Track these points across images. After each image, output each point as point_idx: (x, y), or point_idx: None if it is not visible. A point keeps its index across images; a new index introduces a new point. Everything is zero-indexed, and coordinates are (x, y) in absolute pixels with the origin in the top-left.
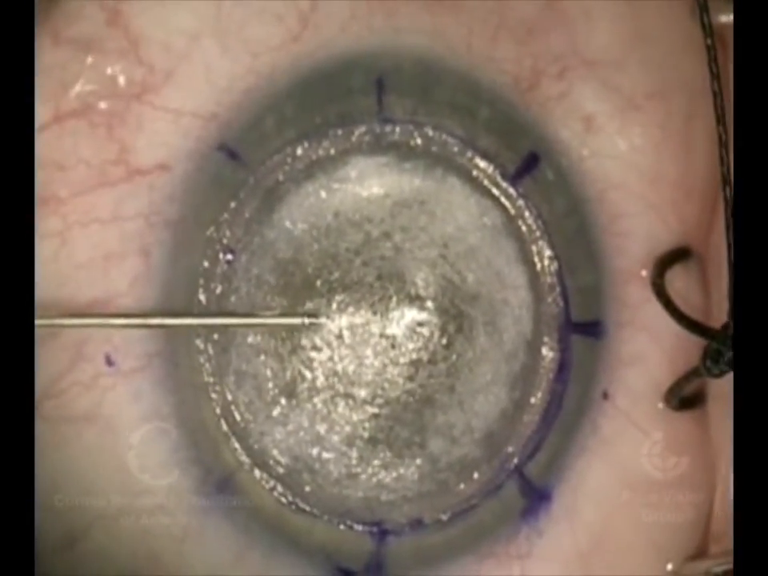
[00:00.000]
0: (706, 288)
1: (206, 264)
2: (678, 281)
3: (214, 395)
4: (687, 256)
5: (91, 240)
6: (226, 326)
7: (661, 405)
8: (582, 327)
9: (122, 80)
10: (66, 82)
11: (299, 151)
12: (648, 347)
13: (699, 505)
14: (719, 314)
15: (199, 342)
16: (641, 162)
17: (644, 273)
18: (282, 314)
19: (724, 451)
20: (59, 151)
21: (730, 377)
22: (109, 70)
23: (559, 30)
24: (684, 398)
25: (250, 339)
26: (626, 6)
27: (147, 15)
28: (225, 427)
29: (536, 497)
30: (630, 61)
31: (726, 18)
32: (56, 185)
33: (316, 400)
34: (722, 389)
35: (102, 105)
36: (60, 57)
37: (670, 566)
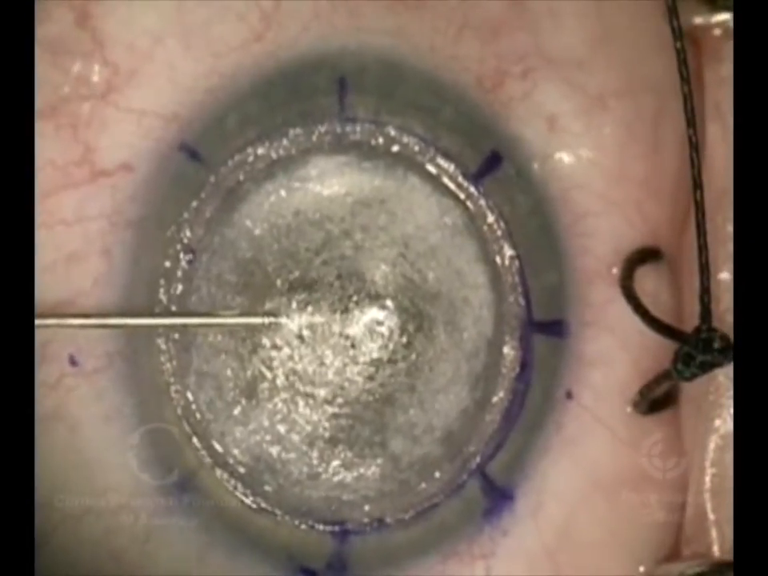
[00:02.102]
0: (678, 290)
1: (167, 264)
2: (648, 282)
3: (175, 395)
4: (656, 257)
5: (55, 241)
6: (187, 326)
7: (629, 409)
8: (544, 326)
9: (88, 81)
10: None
11: (260, 151)
12: (612, 347)
13: (670, 506)
14: (692, 317)
15: (160, 342)
16: (605, 161)
17: (614, 271)
18: (242, 314)
19: (696, 453)
20: None
21: (700, 379)
22: (75, 71)
23: (524, 29)
24: (653, 401)
25: (210, 339)
26: (593, 5)
27: (113, 16)
28: (186, 427)
29: (498, 496)
30: (597, 60)
31: (700, 20)
32: None
33: (276, 400)
34: (692, 390)
35: (68, 106)
36: None
37: (642, 569)
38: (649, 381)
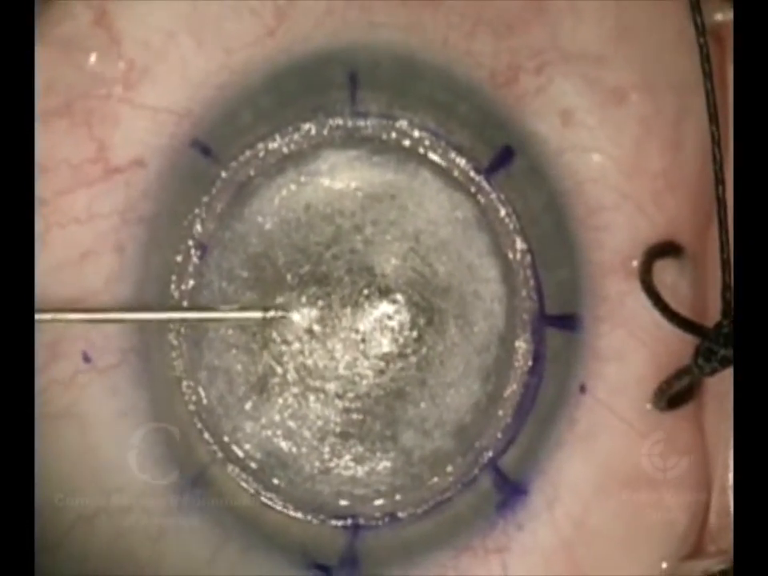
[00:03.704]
0: (699, 284)
1: (178, 259)
2: (668, 276)
3: (186, 390)
4: (677, 251)
5: (69, 240)
6: (197, 321)
7: (648, 406)
8: (557, 320)
9: (103, 78)
10: (51, 81)
11: (271, 145)
12: (627, 341)
13: (692, 503)
14: (714, 312)
15: (172, 338)
16: (621, 155)
17: (631, 264)
18: (252, 308)
19: (719, 449)
20: (43, 152)
21: (721, 375)
22: (91, 69)
23: (541, 25)
24: (671, 396)
25: (221, 334)
26: (613, 2)
27: (129, 14)
28: (198, 423)
29: (511, 490)
30: (616, 56)
31: (721, 17)
32: (40, 186)
33: (287, 394)
34: (715, 387)
35: (83, 104)
36: (46, 57)
37: (664, 565)
38: (668, 376)
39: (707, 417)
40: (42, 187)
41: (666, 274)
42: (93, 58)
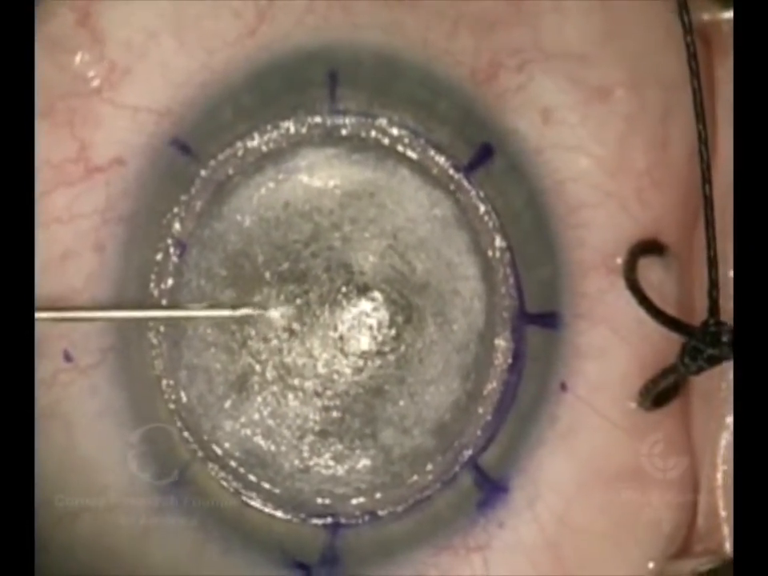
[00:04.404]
0: (684, 283)
1: (158, 257)
2: (653, 274)
3: (166, 389)
4: (660, 250)
5: (50, 240)
6: (175, 319)
7: (633, 405)
8: (537, 318)
9: (85, 78)
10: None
11: (250, 144)
12: (609, 338)
13: (678, 503)
14: (700, 311)
15: (151, 336)
16: (603, 153)
17: (614, 262)
18: (232, 306)
19: (707, 449)
20: None
21: (708, 373)
22: (73, 69)
23: (523, 24)
24: (656, 395)
25: (200, 332)
26: (600, 1)
27: (112, 14)
28: (178, 422)
29: (492, 488)
30: (600, 54)
31: (709, 16)
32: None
33: (266, 393)
34: (702, 385)
35: (66, 104)
36: None
37: (651, 564)
38: (654, 375)
39: (694, 415)
40: None
41: (652, 272)
42: (76, 58)
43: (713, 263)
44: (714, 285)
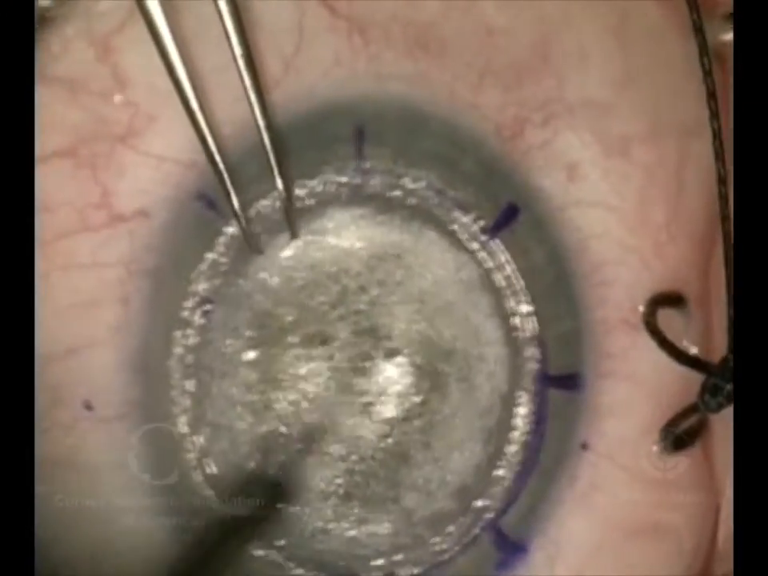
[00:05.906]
0: (704, 323)
1: (183, 314)
2: (673, 319)
3: (189, 446)
4: (680, 302)
5: (71, 285)
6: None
7: (655, 448)
8: (559, 381)
9: (107, 121)
10: (53, 121)
11: (277, 202)
12: (630, 394)
13: (692, 549)
14: (720, 350)
15: (176, 394)
16: (624, 208)
17: (634, 316)
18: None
19: (728, 483)
20: (44, 192)
21: (729, 414)
22: (96, 110)
23: (549, 73)
24: (678, 437)
25: (225, 392)
26: (618, 47)
27: (135, 52)
28: (200, 477)
29: (511, 549)
30: (620, 103)
31: (726, 37)
32: (40, 226)
33: (290, 455)
34: (722, 424)
35: (88, 146)
36: (47, 95)
37: None
38: (674, 415)
39: (716, 451)
40: (44, 228)
41: (670, 316)
42: (96, 98)
43: (732, 300)
44: (733, 321)
